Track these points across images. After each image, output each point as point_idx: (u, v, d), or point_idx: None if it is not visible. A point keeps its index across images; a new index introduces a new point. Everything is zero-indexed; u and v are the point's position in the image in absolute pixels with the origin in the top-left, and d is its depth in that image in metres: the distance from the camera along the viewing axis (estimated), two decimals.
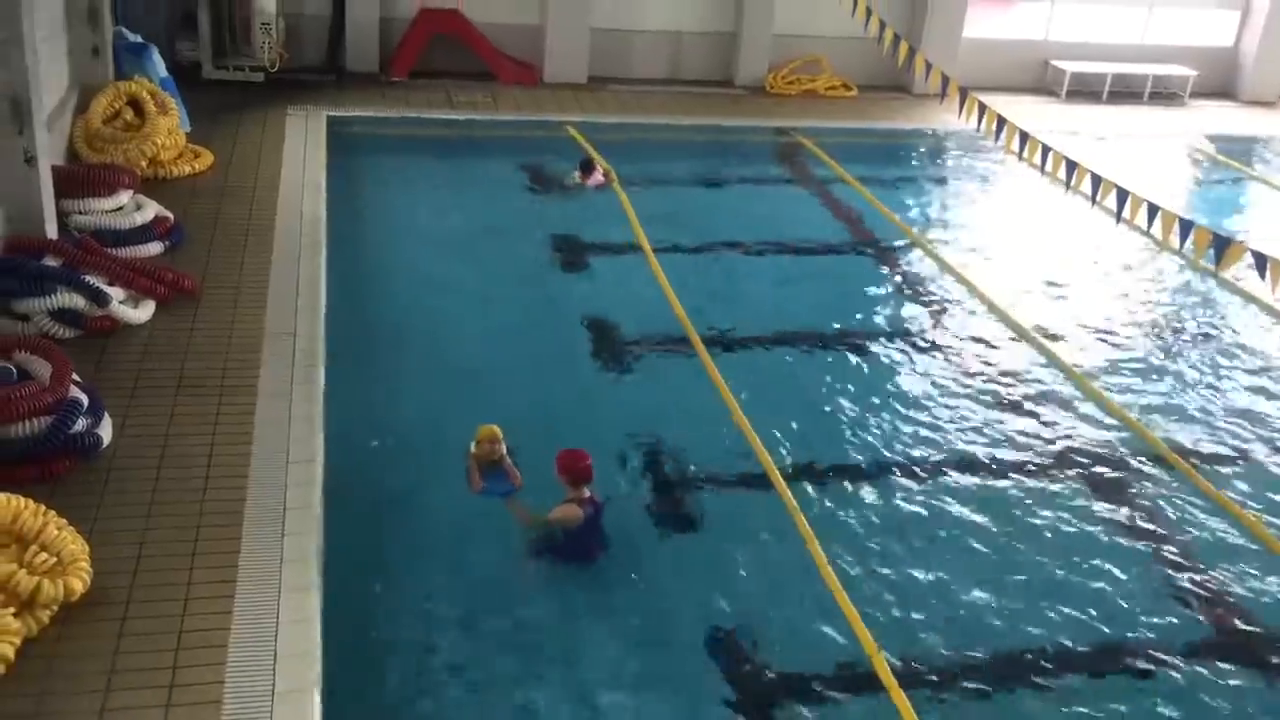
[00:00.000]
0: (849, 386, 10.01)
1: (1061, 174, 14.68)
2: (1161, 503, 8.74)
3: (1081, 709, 6.67)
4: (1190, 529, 8.45)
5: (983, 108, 15.59)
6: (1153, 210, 13.58)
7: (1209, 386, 10.58)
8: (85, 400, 7.38)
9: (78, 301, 8.65)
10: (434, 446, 8.46)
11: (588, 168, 13.94)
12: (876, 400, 9.81)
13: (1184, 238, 13.04)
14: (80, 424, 7.20)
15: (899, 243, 13.39)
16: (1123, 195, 13.83)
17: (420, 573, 7.24)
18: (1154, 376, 10.71)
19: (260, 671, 5.66)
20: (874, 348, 10.77)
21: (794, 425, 9.24)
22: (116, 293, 8.98)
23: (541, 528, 7.42)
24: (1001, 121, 15.46)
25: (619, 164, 14.30)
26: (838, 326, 11.14)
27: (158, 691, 5.49)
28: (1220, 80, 20.55)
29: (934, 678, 6.79)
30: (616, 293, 11.38)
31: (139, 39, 13.66)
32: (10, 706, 5.28)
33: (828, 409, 9.62)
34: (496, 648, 6.69)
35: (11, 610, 5.67)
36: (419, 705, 6.28)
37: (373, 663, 6.48)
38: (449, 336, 10.22)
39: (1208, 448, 9.55)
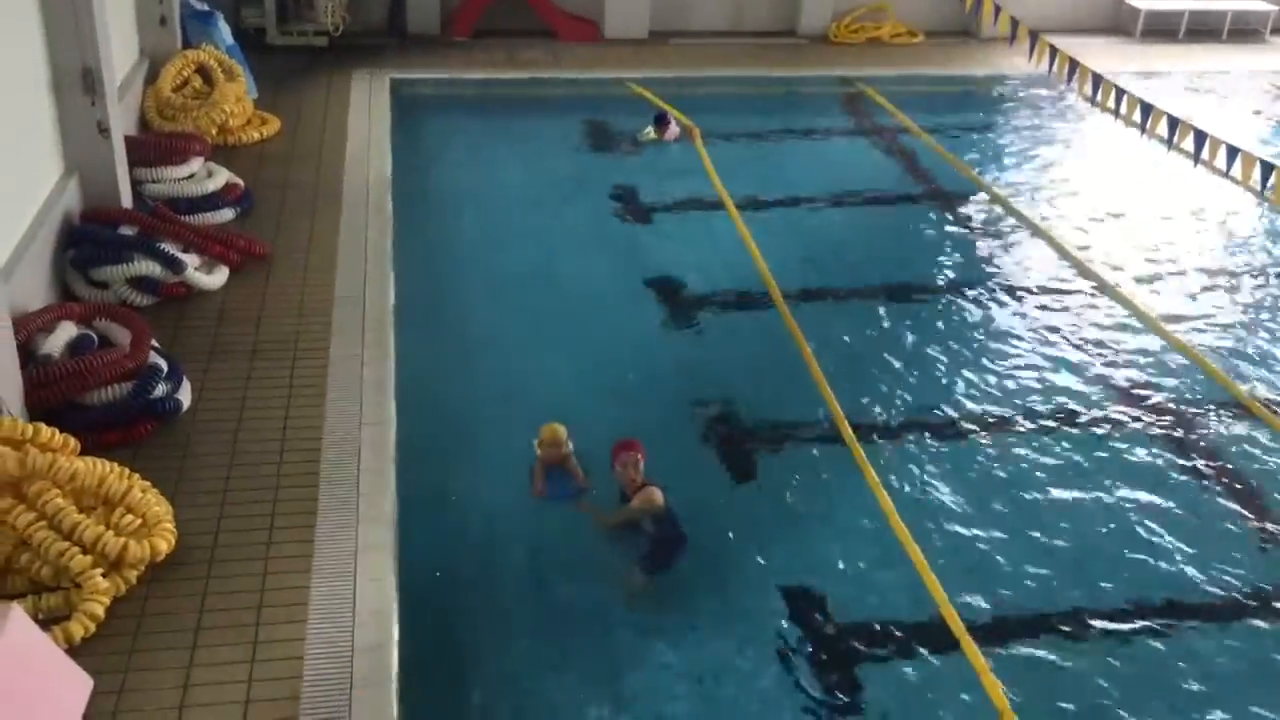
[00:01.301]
0: (922, 339, 9.90)
1: (1137, 117, 14.36)
2: (1243, 454, 8.56)
3: (1157, 660, 6.61)
4: (1264, 472, 8.26)
5: (1054, 51, 15.27)
6: (1232, 152, 13.24)
7: None
8: (165, 366, 7.54)
9: (154, 269, 8.82)
10: (504, 407, 8.55)
11: (662, 121, 13.86)
12: (949, 352, 9.69)
13: (1265, 180, 12.69)
14: (160, 389, 7.36)
15: (969, 192, 13.15)
16: (1201, 137, 13.49)
17: (495, 532, 7.34)
18: (1237, 324, 10.45)
19: (340, 628, 5.79)
20: (945, 299, 10.64)
21: (868, 379, 9.18)
22: (191, 259, 9.13)
23: (624, 523, 7.20)
24: (1074, 64, 15.14)
25: (680, 116, 14.19)
26: (908, 278, 11.00)
27: (242, 648, 5.64)
28: None
29: (1006, 631, 6.76)
30: (688, 248, 11.33)
31: (205, 7, 13.78)
32: (102, 663, 5.46)
33: (900, 361, 9.52)
34: (566, 606, 6.78)
35: (100, 571, 5.85)
36: (494, 662, 6.39)
37: (446, 621, 6.60)
38: (518, 296, 10.26)
39: None
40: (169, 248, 9.02)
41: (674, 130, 13.85)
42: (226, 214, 10.42)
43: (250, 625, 5.79)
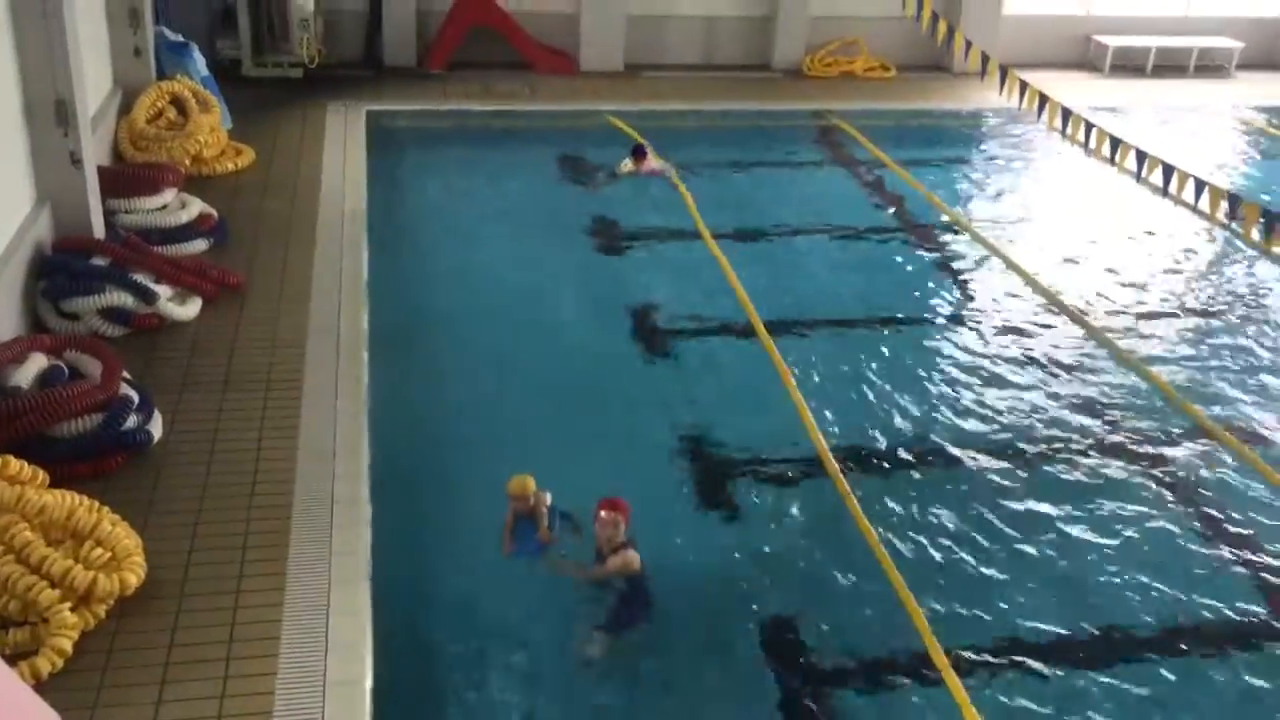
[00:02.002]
0: (895, 368, 9.95)
1: (1105, 150, 14.55)
2: (1207, 480, 8.63)
3: (1131, 689, 6.62)
4: (1239, 506, 8.33)
5: (1024, 85, 15.46)
6: (1200, 185, 13.42)
7: (1261, 364, 10.40)
8: (136, 397, 7.49)
9: (126, 300, 8.77)
10: (479, 438, 8.52)
11: (639, 154, 13.90)
12: (921, 381, 9.74)
13: (1232, 212, 12.87)
14: (131, 421, 7.31)
15: (940, 224, 13.26)
16: (1169, 171, 13.67)
17: (467, 564, 7.29)
18: (1204, 356, 10.54)
19: (312, 662, 5.73)
20: (917, 330, 10.70)
21: (845, 407, 9.22)
22: (164, 290, 9.09)
23: (597, 581, 6.92)
24: (1043, 99, 15.33)
25: (656, 151, 14.27)
26: (881, 309, 11.06)
27: (213, 683, 5.57)
28: (1268, 51, 20.16)
29: (988, 659, 6.76)
30: (665, 279, 11.36)
31: (180, 38, 13.80)
32: (70, 699, 5.37)
33: (875, 391, 9.56)
34: (548, 636, 6.73)
35: (69, 605, 5.77)
36: (468, 694, 6.33)
37: (421, 654, 6.53)
38: (493, 329, 10.24)
39: (1259, 427, 9.39)
40: (141, 278, 8.98)
41: (650, 163, 13.90)
42: (200, 245, 10.38)
43: (220, 660, 5.73)
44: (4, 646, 5.63)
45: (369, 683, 5.73)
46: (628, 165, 13.83)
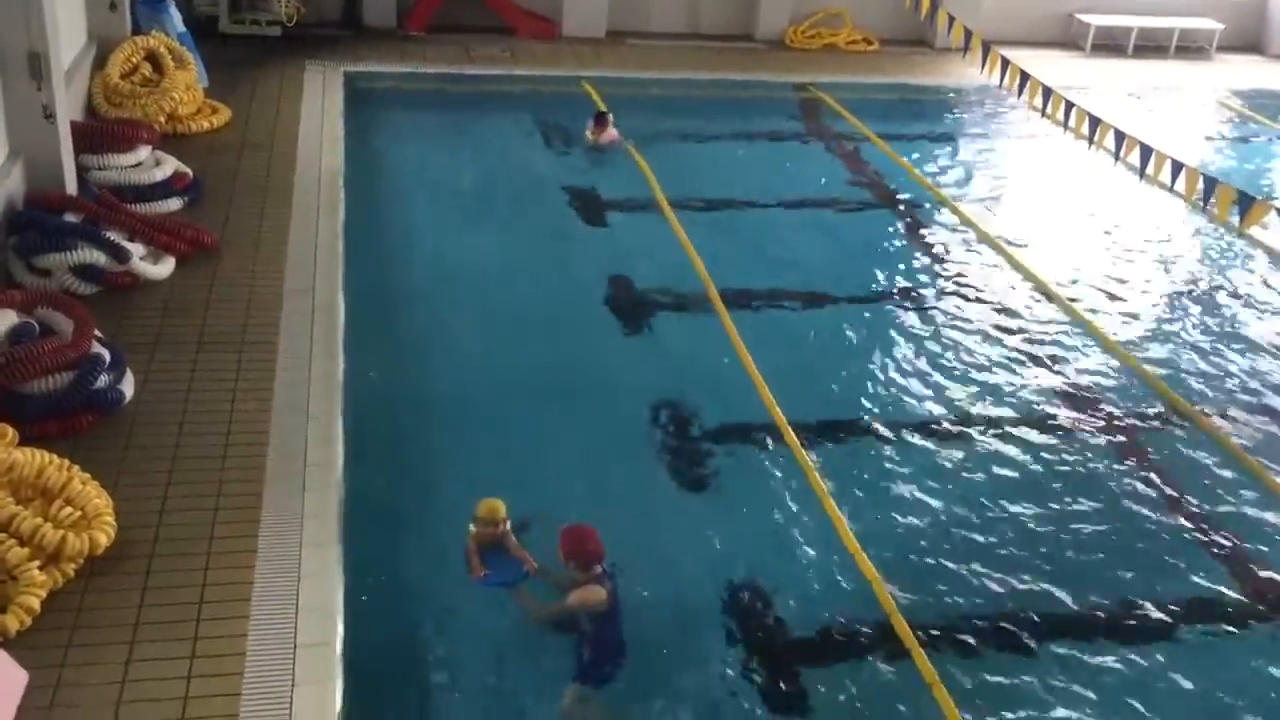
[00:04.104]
0: (868, 343, 10.01)
1: (1084, 130, 14.57)
2: (1180, 460, 8.72)
3: (1097, 664, 6.70)
4: (1209, 486, 8.42)
5: (1005, 63, 15.44)
6: (1176, 167, 13.47)
7: (1232, 345, 10.50)
8: (107, 356, 7.42)
9: (98, 257, 8.68)
10: (454, 402, 8.51)
11: (600, 121, 13.79)
12: (896, 357, 9.79)
13: (1208, 195, 12.94)
14: (102, 380, 7.25)
15: (920, 199, 13.29)
16: (1146, 152, 13.71)
17: (440, 532, 7.29)
18: (1176, 335, 10.64)
19: (283, 625, 5.73)
20: (894, 305, 10.74)
21: (812, 382, 9.24)
22: (137, 249, 9.00)
23: (559, 617, 6.40)
24: (1024, 77, 15.32)
25: (638, 119, 14.20)
26: (857, 283, 11.09)
27: (183, 643, 5.56)
28: (1248, 34, 20.22)
29: (951, 636, 6.81)
30: (634, 250, 11.34)
31: None
32: (37, 658, 5.36)
33: (847, 366, 9.61)
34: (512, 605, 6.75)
35: (37, 564, 5.75)
36: (440, 657, 6.35)
37: (392, 618, 6.55)
38: (467, 292, 10.22)
39: (1229, 406, 9.49)
40: (114, 236, 8.89)
41: (611, 133, 13.75)
42: (174, 203, 10.28)
43: (191, 620, 5.71)
44: None
45: (339, 646, 5.73)
46: (590, 132, 13.74)
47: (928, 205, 13.15)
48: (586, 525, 6.54)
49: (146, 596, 5.86)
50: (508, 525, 6.72)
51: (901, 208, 13.05)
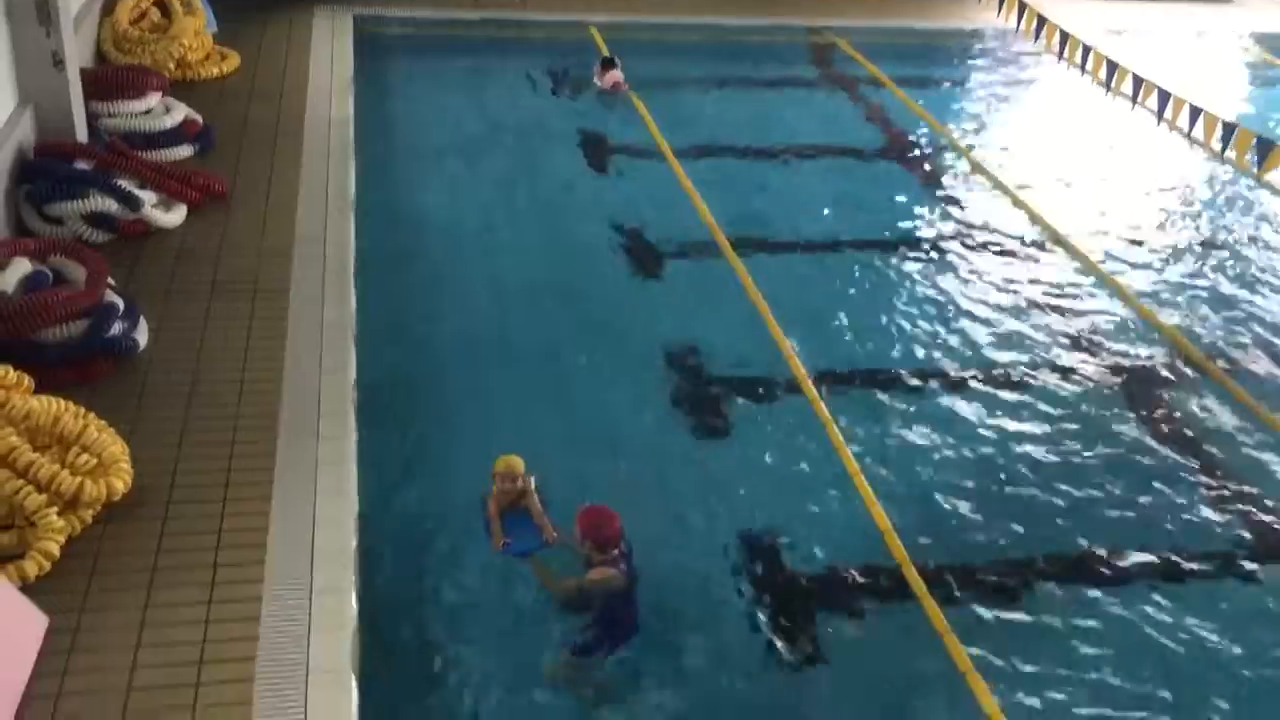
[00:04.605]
0: (881, 291, 9.97)
1: (1102, 75, 14.41)
2: (1193, 409, 8.70)
3: (1107, 613, 6.73)
4: (1220, 435, 8.41)
5: (1023, 6, 15.26)
6: (1195, 112, 13.33)
7: (1249, 293, 10.43)
8: (121, 304, 7.44)
9: (110, 205, 8.67)
10: (466, 346, 8.52)
11: (607, 66, 13.67)
12: (910, 305, 9.75)
13: (1226, 140, 12.81)
14: (116, 328, 7.26)
15: (935, 146, 13.18)
16: (1164, 96, 13.56)
17: (453, 474, 7.33)
18: (1192, 283, 10.57)
19: (298, 571, 5.77)
20: (906, 253, 10.67)
21: (825, 331, 9.22)
22: (148, 196, 8.99)
23: (574, 595, 6.20)
24: (1042, 20, 15.15)
25: (649, 64, 14.06)
26: (870, 231, 11.01)
27: (200, 588, 5.61)
28: None
29: (961, 585, 6.84)
30: (643, 197, 11.28)
31: None
32: (57, 602, 5.42)
33: (860, 314, 9.57)
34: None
35: (55, 510, 5.79)
36: (452, 601, 6.41)
37: (406, 564, 6.60)
38: (477, 238, 10.21)
39: (1244, 355, 9.45)
40: (126, 184, 8.87)
41: (615, 76, 13.61)
42: (184, 150, 10.24)
43: (208, 566, 5.76)
44: None
45: (354, 593, 5.78)
46: (597, 77, 13.64)
47: (943, 152, 13.04)
48: (606, 507, 6.28)
49: (164, 542, 5.91)
50: (530, 484, 6.53)
51: (916, 154, 12.94)
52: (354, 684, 5.28)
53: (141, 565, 5.74)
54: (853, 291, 9.97)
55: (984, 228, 11.29)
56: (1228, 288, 10.52)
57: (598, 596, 6.09)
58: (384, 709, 5.53)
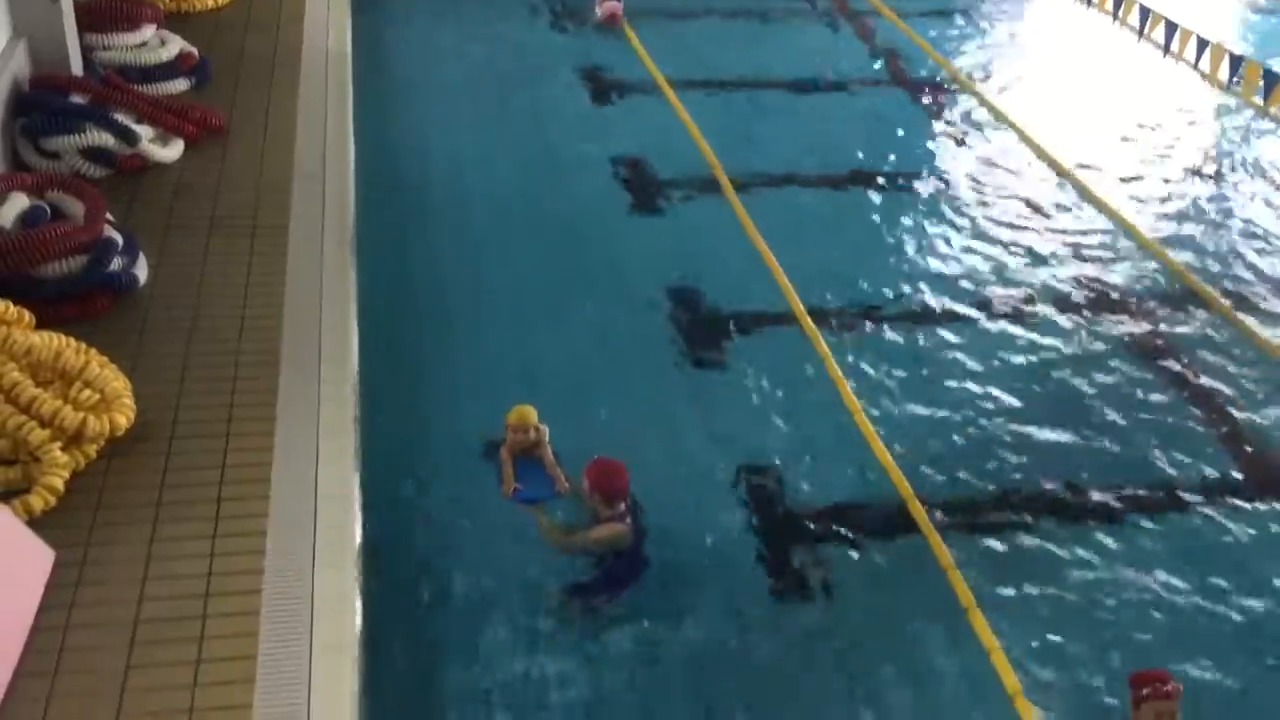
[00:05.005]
0: (882, 228, 9.92)
1: (1109, 6, 14.22)
2: (1197, 343, 8.69)
3: (1108, 546, 6.78)
4: (1226, 370, 8.41)
5: None
6: (1202, 44, 13.17)
7: (1253, 226, 10.38)
8: (120, 239, 7.41)
9: (107, 140, 8.60)
10: (466, 282, 8.51)
11: None
12: (911, 241, 9.73)
13: (1234, 73, 12.67)
14: (116, 263, 7.24)
15: (937, 79, 13.04)
16: (1171, 28, 13.40)
17: (454, 413, 7.35)
18: (1197, 217, 10.51)
19: (302, 506, 5.80)
20: (908, 188, 10.62)
21: (825, 267, 9.19)
22: (145, 131, 8.91)
23: (581, 551, 6.22)
24: None
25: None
26: (871, 166, 10.93)
27: (204, 523, 5.65)
28: None
29: (963, 517, 6.90)
30: (642, 130, 11.20)
31: None
32: (63, 537, 5.46)
33: (860, 251, 9.55)
34: None
35: (59, 444, 5.82)
36: (456, 542, 6.46)
37: (408, 502, 6.65)
38: (476, 173, 10.16)
39: (1249, 290, 9.43)
40: (122, 118, 8.79)
41: (611, 8, 13.41)
42: (180, 84, 10.13)
43: (212, 501, 5.79)
44: None
45: (358, 530, 5.82)
46: (597, 7, 13.46)
47: (945, 84, 12.90)
48: (616, 460, 6.27)
49: (167, 478, 5.93)
50: (544, 434, 6.57)
51: (917, 88, 12.81)
52: (358, 614, 5.34)
53: (146, 500, 5.78)
54: (853, 226, 9.93)
55: (987, 161, 11.21)
56: (1232, 221, 10.46)
57: (606, 552, 6.13)
58: (388, 640, 5.60)
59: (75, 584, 5.26)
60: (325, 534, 5.66)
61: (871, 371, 8.06)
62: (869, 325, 8.59)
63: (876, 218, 10.08)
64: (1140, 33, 13.98)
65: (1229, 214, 10.60)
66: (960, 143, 11.60)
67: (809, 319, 8.46)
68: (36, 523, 5.49)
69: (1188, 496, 7.21)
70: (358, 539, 5.77)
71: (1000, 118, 12.08)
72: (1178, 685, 5.08)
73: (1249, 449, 7.67)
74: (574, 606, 6.07)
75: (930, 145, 11.56)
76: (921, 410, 7.74)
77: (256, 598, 5.24)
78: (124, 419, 6.06)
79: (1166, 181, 11.15)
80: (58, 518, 5.59)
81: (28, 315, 6.34)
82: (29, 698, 4.71)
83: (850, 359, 8.12)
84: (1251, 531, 6.99)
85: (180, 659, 4.92)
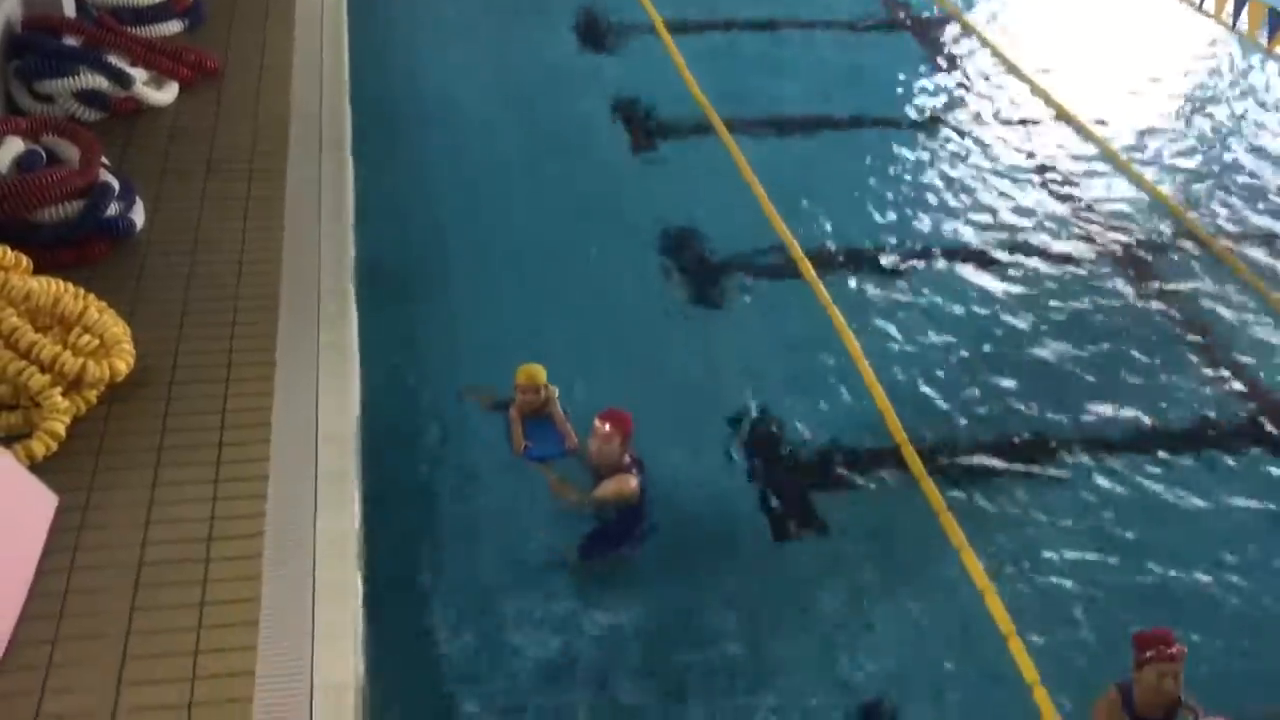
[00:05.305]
0: (881, 169, 9.87)
1: None
2: (1194, 284, 8.69)
3: (1103, 488, 6.83)
4: (1221, 310, 8.43)
5: None
6: None
7: (1253, 169, 10.32)
8: (116, 184, 7.37)
9: (101, 83, 8.52)
10: (467, 228, 8.49)
11: None
12: (909, 183, 9.69)
13: (1237, 13, 12.55)
14: (113, 208, 7.21)
15: (935, 18, 12.90)
16: None
17: (454, 354, 7.36)
18: (1197, 158, 10.47)
19: (303, 451, 5.82)
20: (908, 130, 10.55)
21: (822, 210, 9.16)
22: (139, 74, 8.83)
23: (589, 507, 6.20)
24: None
25: None
26: (869, 108, 10.84)
27: (206, 467, 5.68)
28: None
29: (958, 459, 6.94)
30: (639, 73, 11.10)
31: None
32: (65, 481, 5.49)
33: (857, 193, 9.50)
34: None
35: (59, 390, 5.83)
36: (453, 477, 6.52)
37: (407, 446, 6.68)
38: (474, 115, 10.09)
39: (1246, 230, 9.40)
40: (116, 61, 8.70)
41: None
42: (174, 26, 10.02)
43: (213, 446, 5.82)
44: None
45: (357, 473, 5.85)
46: None
47: (944, 24, 12.76)
48: (623, 411, 6.26)
49: (168, 422, 5.96)
50: (554, 393, 6.60)
51: (918, 27, 12.67)
52: (360, 556, 5.39)
53: (147, 445, 5.81)
54: (851, 167, 9.87)
55: (987, 101, 11.14)
56: (1233, 163, 10.41)
57: (611, 509, 6.16)
58: (389, 583, 5.66)
59: (78, 528, 5.30)
60: (326, 477, 5.69)
61: (869, 313, 8.05)
62: (867, 267, 8.57)
63: (874, 158, 10.01)
64: None
65: (1230, 155, 10.53)
66: (958, 82, 11.49)
67: (807, 261, 8.43)
68: (38, 468, 5.52)
69: (1184, 434, 7.26)
70: (358, 481, 5.80)
71: (1000, 58, 11.97)
72: (1181, 648, 5.10)
73: (1247, 389, 7.69)
74: (574, 556, 6.10)
75: (927, 84, 11.45)
76: (918, 351, 7.76)
77: (258, 540, 5.29)
78: (124, 364, 6.07)
79: (1169, 122, 11.08)
80: (59, 462, 5.62)
81: (25, 260, 6.33)
82: (35, 640, 4.77)
83: (849, 301, 8.10)
84: (1248, 469, 7.03)
85: (184, 601, 4.98)
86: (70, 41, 8.77)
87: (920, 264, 8.66)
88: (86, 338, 6.09)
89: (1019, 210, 9.42)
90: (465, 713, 5.35)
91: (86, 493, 5.50)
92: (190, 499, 5.50)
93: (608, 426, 6.15)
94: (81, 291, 6.30)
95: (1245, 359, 7.96)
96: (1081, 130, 10.68)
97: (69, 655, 4.72)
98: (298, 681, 4.68)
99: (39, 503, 5.30)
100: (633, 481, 6.12)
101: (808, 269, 8.40)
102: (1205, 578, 6.29)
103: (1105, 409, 7.43)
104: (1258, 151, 10.65)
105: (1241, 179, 10.15)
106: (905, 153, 10.17)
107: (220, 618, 4.92)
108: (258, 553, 5.23)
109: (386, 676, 5.18)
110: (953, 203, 9.43)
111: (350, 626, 4.99)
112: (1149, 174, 10.07)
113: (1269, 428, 7.38)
